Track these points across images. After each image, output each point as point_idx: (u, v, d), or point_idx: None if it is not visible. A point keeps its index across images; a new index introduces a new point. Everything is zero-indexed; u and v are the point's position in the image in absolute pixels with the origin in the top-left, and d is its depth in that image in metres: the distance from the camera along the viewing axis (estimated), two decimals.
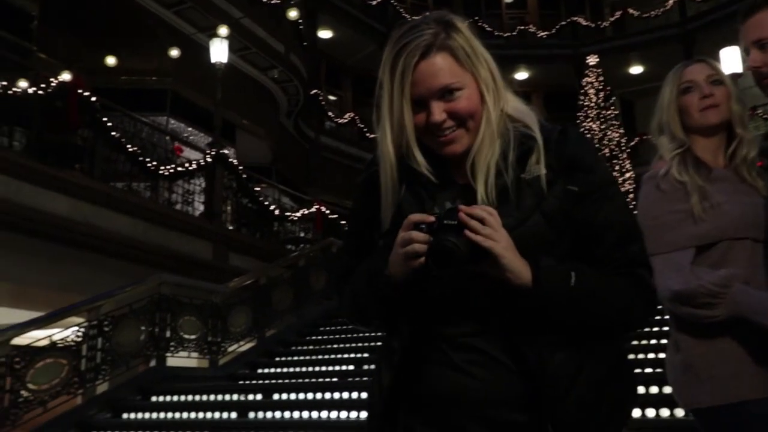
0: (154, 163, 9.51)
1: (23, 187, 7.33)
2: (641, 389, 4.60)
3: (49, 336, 5.91)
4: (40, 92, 8.01)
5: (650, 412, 4.24)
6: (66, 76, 8.57)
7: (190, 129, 13.02)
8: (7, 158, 7.24)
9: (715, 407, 1.76)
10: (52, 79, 8.25)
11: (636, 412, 4.33)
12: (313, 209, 12.20)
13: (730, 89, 1.94)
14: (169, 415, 5.82)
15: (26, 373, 5.59)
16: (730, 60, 9.50)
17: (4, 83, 7.71)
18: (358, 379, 6.10)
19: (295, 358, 7.37)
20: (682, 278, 1.75)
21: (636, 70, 18.85)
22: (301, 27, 15.43)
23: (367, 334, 7.60)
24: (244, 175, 10.93)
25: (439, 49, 1.22)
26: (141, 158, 9.27)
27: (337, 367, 6.58)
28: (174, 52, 11.71)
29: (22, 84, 8.11)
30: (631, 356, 5.54)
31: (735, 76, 7.86)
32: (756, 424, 1.72)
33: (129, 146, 9.14)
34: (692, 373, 1.80)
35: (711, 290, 1.71)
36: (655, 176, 1.91)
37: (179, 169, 9.97)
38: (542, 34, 19.45)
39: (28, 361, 5.64)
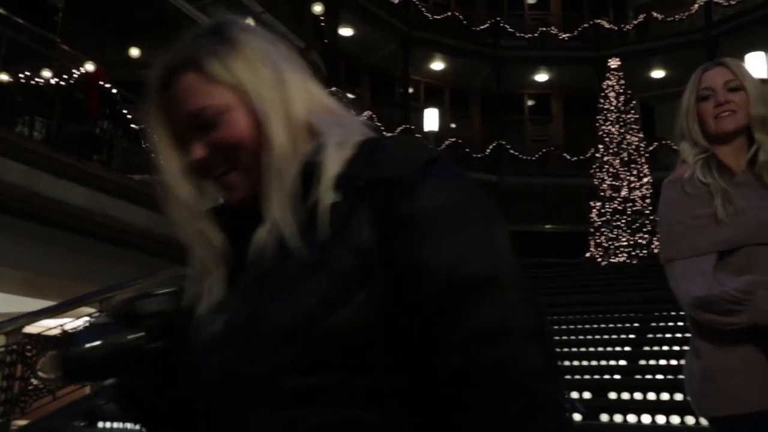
0: None
1: (42, 176, 7.41)
2: (652, 395, 4.55)
3: (61, 325, 5.96)
4: (62, 83, 8.09)
5: (660, 419, 4.20)
6: (89, 67, 8.63)
7: None
8: (27, 148, 7.32)
9: (734, 416, 1.73)
10: (74, 71, 8.33)
11: (646, 419, 4.30)
12: None
13: (749, 93, 1.89)
14: None
15: (37, 362, 5.64)
16: (755, 65, 9.39)
17: (27, 73, 7.79)
18: None
19: None
20: (705, 284, 1.72)
21: (658, 74, 18.68)
22: (322, 24, 15.44)
23: None
24: None
25: (183, 68, 0.89)
26: None
27: None
28: None
29: (45, 74, 8.19)
30: (642, 362, 5.48)
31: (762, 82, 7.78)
32: None
33: None
34: (712, 382, 1.77)
35: (734, 297, 1.67)
36: (678, 180, 1.88)
37: None
38: (564, 36, 19.32)
39: (39, 350, 5.70)
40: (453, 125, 20.68)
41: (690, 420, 4.05)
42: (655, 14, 18.28)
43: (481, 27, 19.29)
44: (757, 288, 1.67)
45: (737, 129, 1.88)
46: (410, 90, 19.40)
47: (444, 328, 0.74)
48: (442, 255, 0.75)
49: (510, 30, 19.13)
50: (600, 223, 14.99)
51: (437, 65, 19.74)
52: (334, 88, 16.49)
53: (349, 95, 18.87)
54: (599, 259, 14.69)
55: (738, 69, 1.92)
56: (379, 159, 0.81)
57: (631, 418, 4.34)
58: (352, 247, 0.77)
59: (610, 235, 14.75)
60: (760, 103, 1.88)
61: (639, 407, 4.43)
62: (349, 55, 18.48)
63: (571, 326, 6.89)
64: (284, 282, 0.78)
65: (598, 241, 14.91)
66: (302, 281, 0.77)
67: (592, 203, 15.29)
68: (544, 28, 19.37)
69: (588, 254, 15.13)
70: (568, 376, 5.34)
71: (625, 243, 14.45)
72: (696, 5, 17.56)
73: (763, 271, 1.73)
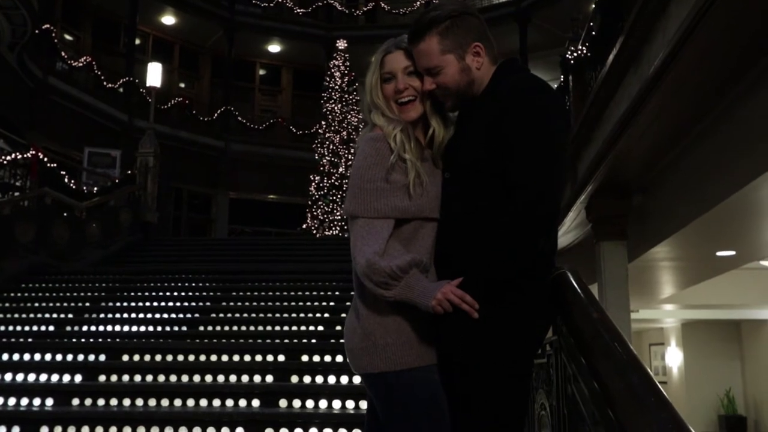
0: None
1: None
2: (339, 359, 4.89)
3: None
4: None
5: (357, 380, 4.51)
6: None
7: None
8: None
9: (386, 372, 1.89)
10: None
11: (343, 379, 4.61)
12: (28, 155, 11.00)
13: (424, 77, 1.99)
14: None
15: None
16: None
17: None
18: (57, 340, 5.69)
19: None
20: (376, 250, 1.84)
21: None
22: None
23: (76, 294, 7.10)
24: None
25: None
26: None
27: (35, 328, 6.06)
28: None
29: None
30: (339, 327, 5.85)
31: None
32: (417, 387, 1.88)
33: None
34: (370, 341, 1.91)
35: (393, 273, 1.82)
36: (381, 139, 1.95)
37: None
38: (299, 10, 19.61)
39: None
40: (182, 84, 19.92)
41: (357, 379, 4.44)
42: (383, 4, 19.36)
43: None
44: (411, 267, 1.85)
45: (419, 116, 2.02)
46: (137, 41, 18.24)
47: None
48: None
49: None
50: (318, 196, 15.59)
51: (168, 19, 18.80)
52: (46, 26, 14.85)
53: (67, 36, 17.18)
54: (314, 231, 15.30)
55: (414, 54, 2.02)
56: None
57: (319, 379, 4.64)
58: None
59: (326, 209, 15.42)
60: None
61: (329, 368, 4.73)
62: None
63: (278, 293, 7.10)
64: None
65: (315, 213, 15.51)
66: None
67: (312, 177, 15.82)
68: (280, 0, 19.46)
69: (305, 226, 15.67)
70: (268, 340, 5.51)
71: (339, 217, 15.21)
72: (418, 3, 18.95)
73: (427, 242, 1.94)
